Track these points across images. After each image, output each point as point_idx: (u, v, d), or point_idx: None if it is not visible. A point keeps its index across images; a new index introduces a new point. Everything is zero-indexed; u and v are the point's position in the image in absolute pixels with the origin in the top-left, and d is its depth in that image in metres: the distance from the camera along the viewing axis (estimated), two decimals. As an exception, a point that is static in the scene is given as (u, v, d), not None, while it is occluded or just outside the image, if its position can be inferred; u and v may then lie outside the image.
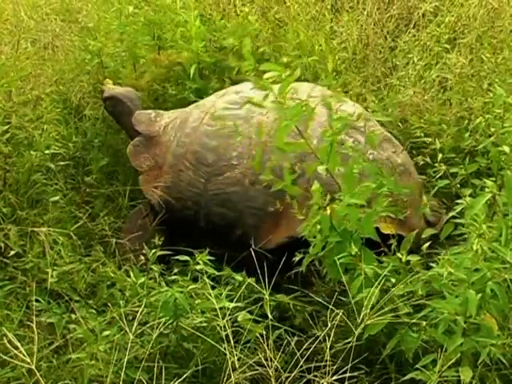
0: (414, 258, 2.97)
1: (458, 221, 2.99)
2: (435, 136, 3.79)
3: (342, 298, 3.05)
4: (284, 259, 3.24)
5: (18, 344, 2.43)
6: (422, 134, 3.88)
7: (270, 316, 2.82)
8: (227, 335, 2.69)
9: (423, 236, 3.23)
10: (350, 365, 2.58)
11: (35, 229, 3.58)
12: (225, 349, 2.66)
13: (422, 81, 4.52)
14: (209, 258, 3.15)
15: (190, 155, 3.84)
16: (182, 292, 2.98)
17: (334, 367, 2.58)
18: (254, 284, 3.03)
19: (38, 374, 2.48)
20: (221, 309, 2.82)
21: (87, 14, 5.58)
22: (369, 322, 2.63)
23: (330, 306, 2.72)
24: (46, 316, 3.18)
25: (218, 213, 3.71)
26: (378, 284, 2.74)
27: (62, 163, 4.27)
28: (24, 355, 2.40)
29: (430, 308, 2.74)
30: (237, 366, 2.65)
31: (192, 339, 3.01)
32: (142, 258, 3.43)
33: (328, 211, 2.98)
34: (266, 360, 2.60)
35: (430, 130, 4.06)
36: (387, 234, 3.21)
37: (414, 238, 3.08)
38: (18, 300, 3.38)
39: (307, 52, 4.85)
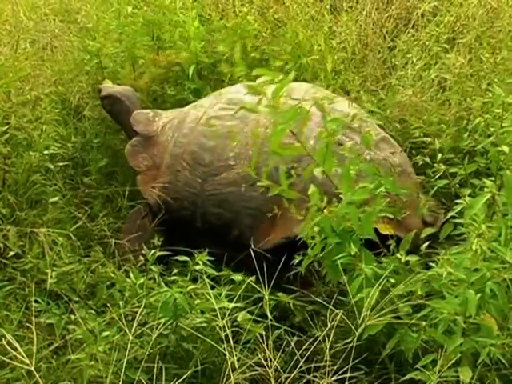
0: (413, 258, 2.97)
1: (457, 221, 2.99)
2: (434, 136, 3.78)
3: (342, 298, 3.05)
4: (283, 260, 3.23)
5: (17, 345, 2.42)
6: (421, 134, 3.89)
7: (269, 316, 2.82)
8: (227, 335, 2.69)
9: (422, 236, 3.23)
10: (349, 365, 2.58)
11: (34, 229, 3.58)
12: (224, 349, 2.66)
13: (421, 81, 4.52)
14: (208, 258, 3.15)
15: (187, 155, 3.84)
16: (181, 292, 2.98)
17: (335, 367, 2.58)
18: (254, 284, 3.03)
19: (37, 374, 2.47)
20: (220, 309, 2.82)
21: (86, 14, 5.57)
22: (369, 322, 2.63)
23: (330, 307, 2.72)
24: (45, 317, 3.18)
25: (214, 213, 3.71)
26: (379, 285, 2.74)
27: (61, 164, 4.27)
28: (23, 356, 2.39)
29: (430, 308, 2.74)
30: (236, 367, 2.65)
31: (191, 339, 3.01)
32: (142, 258, 3.43)
33: (326, 212, 2.98)
34: (266, 360, 2.60)
35: (429, 130, 4.06)
36: (385, 235, 3.20)
37: (412, 238, 3.08)
38: (18, 301, 3.38)
39: (306, 52, 4.85)
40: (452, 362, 2.57)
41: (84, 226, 3.87)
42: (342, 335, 2.91)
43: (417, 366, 2.68)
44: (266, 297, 2.86)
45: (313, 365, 2.70)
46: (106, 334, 2.96)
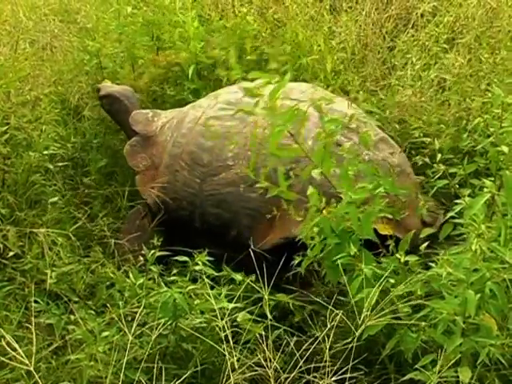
0: (412, 259, 2.97)
1: (456, 221, 2.99)
2: (434, 136, 3.78)
3: (341, 298, 3.05)
4: (282, 260, 3.23)
5: (17, 345, 2.42)
6: (421, 135, 3.89)
7: (269, 316, 2.82)
8: (226, 336, 2.69)
9: (421, 236, 3.23)
10: (349, 365, 2.58)
11: (34, 230, 3.58)
12: (224, 349, 2.66)
13: (421, 81, 4.52)
14: (208, 258, 3.15)
15: (186, 155, 3.84)
16: (181, 293, 2.98)
17: (334, 368, 2.58)
18: (253, 284, 3.03)
19: (36, 375, 2.47)
20: (220, 309, 2.82)
21: (86, 14, 5.57)
22: (370, 323, 2.63)
23: (330, 307, 2.72)
24: (44, 317, 3.18)
25: (213, 213, 3.71)
26: (379, 285, 2.74)
27: (60, 164, 4.27)
28: (23, 356, 2.39)
29: (429, 308, 2.74)
30: (236, 367, 2.65)
31: (191, 340, 3.01)
32: (141, 258, 3.43)
33: (325, 213, 2.98)
34: (266, 360, 2.60)
35: (428, 131, 4.06)
36: (384, 235, 3.20)
37: (411, 238, 3.08)
38: (17, 301, 3.38)
39: (306, 52, 4.85)
40: (452, 362, 2.56)
41: (84, 226, 3.87)
42: (342, 335, 2.92)
43: (416, 366, 2.68)
44: (266, 297, 2.86)
45: (312, 365, 2.70)
46: (105, 334, 2.96)
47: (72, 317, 3.12)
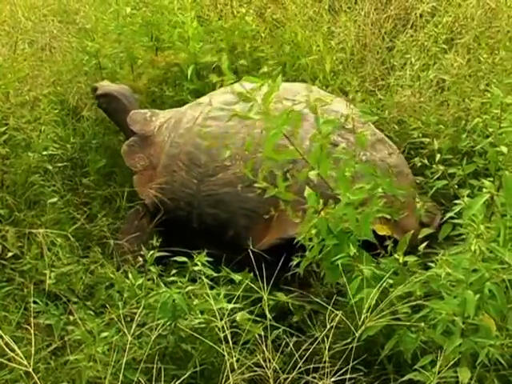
0: (411, 259, 2.97)
1: (456, 221, 2.99)
2: (433, 137, 3.78)
3: (340, 299, 3.05)
4: (282, 260, 3.23)
5: (16, 346, 2.42)
6: (420, 135, 3.88)
7: (268, 316, 2.82)
8: (226, 336, 2.69)
9: (420, 236, 3.23)
10: (349, 366, 2.58)
11: (33, 230, 3.58)
12: (223, 350, 2.66)
13: (420, 81, 4.52)
14: (207, 259, 3.15)
15: (184, 156, 3.84)
16: (180, 293, 2.98)
17: (335, 368, 2.58)
18: (252, 285, 3.02)
19: (35, 376, 2.47)
20: (219, 309, 2.82)
21: (85, 15, 5.57)
22: (370, 323, 2.63)
23: (329, 307, 2.72)
24: (43, 317, 3.18)
25: (210, 213, 3.71)
26: (379, 286, 2.74)
27: (59, 164, 4.27)
28: (22, 357, 2.39)
29: (429, 309, 2.74)
30: (235, 367, 2.65)
31: (190, 340, 3.01)
32: (140, 259, 3.43)
33: (323, 214, 2.98)
34: (265, 361, 2.60)
35: (427, 131, 4.05)
36: (382, 236, 3.20)
37: (409, 238, 3.08)
38: (16, 302, 3.38)
39: (305, 52, 4.85)
40: (451, 362, 2.57)
41: (83, 226, 3.88)
42: (341, 336, 2.92)
43: (416, 366, 2.68)
44: (265, 297, 2.86)
45: (312, 365, 2.70)
46: (104, 334, 2.96)
47: (71, 317, 3.13)
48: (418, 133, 3.90)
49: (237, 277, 3.20)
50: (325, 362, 2.57)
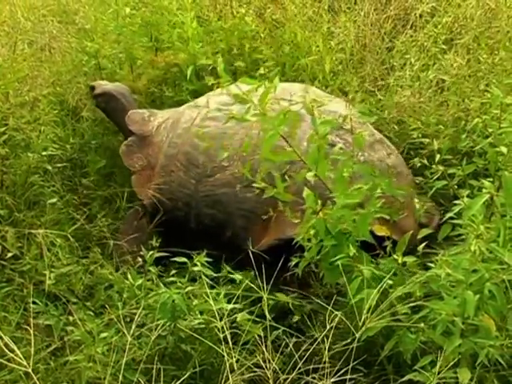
0: (410, 259, 2.97)
1: (455, 222, 2.98)
2: (432, 137, 3.78)
3: (340, 299, 3.05)
4: (281, 261, 3.23)
5: (15, 346, 2.42)
6: (420, 135, 3.89)
7: (268, 316, 2.81)
8: (225, 337, 2.69)
9: (419, 236, 3.23)
10: (348, 366, 2.58)
11: (32, 231, 3.58)
12: (223, 350, 2.66)
13: (419, 82, 4.52)
14: (206, 259, 3.14)
15: (182, 156, 3.84)
16: (179, 293, 2.98)
17: (335, 369, 2.58)
18: (252, 285, 3.02)
19: (35, 376, 2.47)
20: (219, 310, 2.82)
21: (84, 15, 5.56)
22: (370, 324, 2.62)
23: (329, 308, 2.71)
24: (43, 318, 3.18)
25: (208, 214, 3.71)
26: (380, 287, 2.73)
27: (59, 165, 4.27)
28: (21, 358, 2.39)
29: (428, 309, 2.74)
30: (235, 368, 2.65)
31: (190, 341, 3.00)
32: (140, 259, 3.43)
33: (321, 215, 2.98)
34: (265, 361, 2.60)
35: (427, 131, 4.05)
36: (381, 237, 3.20)
37: (408, 239, 3.08)
38: (16, 302, 3.38)
39: (304, 53, 4.85)
40: (451, 363, 2.56)
41: (82, 227, 3.87)
42: (341, 336, 2.91)
43: (415, 367, 2.68)
44: (265, 297, 2.86)
45: (311, 366, 2.69)
46: (104, 335, 2.96)
47: (71, 318, 3.13)
48: (418, 133, 3.90)
49: (237, 276, 3.20)
50: (324, 363, 2.57)
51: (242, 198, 3.62)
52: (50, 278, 3.27)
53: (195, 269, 3.11)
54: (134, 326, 2.73)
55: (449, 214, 3.00)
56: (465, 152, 3.79)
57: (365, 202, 3.05)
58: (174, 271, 3.21)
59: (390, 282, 2.84)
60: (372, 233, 3.11)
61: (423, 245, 3.10)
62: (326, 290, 3.39)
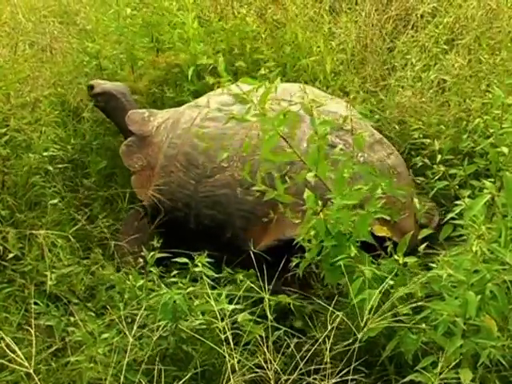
0: (411, 260, 2.97)
1: (456, 222, 2.98)
2: (434, 137, 3.78)
3: (341, 299, 3.05)
4: (281, 262, 3.23)
5: (17, 347, 2.42)
6: (421, 136, 3.89)
7: (270, 317, 2.81)
8: (226, 337, 2.68)
9: (420, 237, 3.23)
10: (350, 367, 2.58)
11: (34, 231, 3.58)
12: (224, 351, 2.65)
13: (421, 82, 4.52)
14: (207, 260, 3.14)
15: (181, 157, 3.83)
16: (180, 294, 2.98)
17: (337, 369, 2.57)
18: (253, 286, 3.02)
19: (36, 377, 2.47)
20: (220, 310, 2.81)
21: (85, 16, 5.57)
22: (372, 325, 2.62)
23: (331, 308, 2.71)
24: (44, 319, 3.18)
25: (207, 215, 3.70)
26: (381, 287, 2.73)
27: (60, 166, 4.26)
28: (22, 358, 2.39)
29: (430, 310, 2.74)
30: (236, 369, 2.65)
31: (191, 342, 3.00)
32: (141, 260, 3.43)
33: (322, 216, 2.98)
34: (266, 362, 2.60)
35: (428, 132, 4.06)
36: (381, 237, 3.20)
37: (409, 239, 3.07)
38: (17, 303, 3.38)
39: (305, 53, 4.85)
40: (452, 363, 2.56)
41: (83, 227, 3.87)
42: (342, 337, 2.91)
43: (417, 367, 2.68)
44: (266, 298, 2.86)
45: (313, 367, 2.69)
46: (105, 336, 2.96)
47: (72, 319, 3.12)
48: (419, 133, 3.91)
49: (239, 276, 3.20)
50: (326, 363, 2.57)
51: (241, 199, 3.62)
52: (51, 278, 3.27)
53: (196, 269, 3.11)
54: (135, 327, 2.72)
55: (450, 215, 3.00)
56: (466, 152, 3.79)
57: (365, 202, 3.05)
58: (175, 272, 3.21)
59: (392, 282, 2.83)
60: (372, 233, 3.11)
61: (424, 245, 3.10)
62: (327, 290, 3.38)
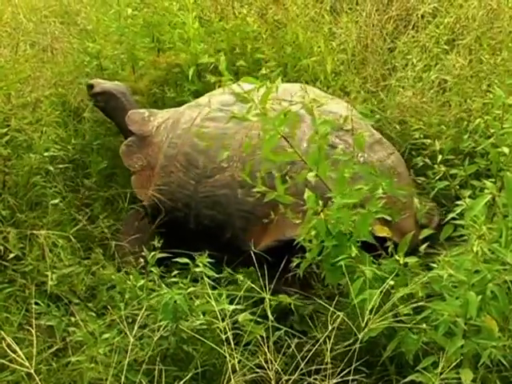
0: (412, 260, 2.97)
1: (457, 222, 2.98)
2: (434, 137, 3.78)
3: (342, 300, 3.05)
4: (282, 262, 3.23)
5: (17, 347, 2.42)
6: (422, 136, 3.88)
7: (270, 317, 2.81)
8: (227, 337, 2.68)
9: (420, 237, 3.23)
10: (351, 367, 2.58)
11: (34, 231, 3.58)
12: (225, 351, 2.65)
13: (421, 82, 4.52)
14: (208, 260, 3.14)
15: (181, 157, 3.83)
16: (181, 294, 2.98)
17: (338, 369, 2.57)
18: (254, 286, 3.02)
19: (37, 377, 2.47)
20: (221, 311, 2.81)
21: (86, 16, 5.57)
22: (373, 325, 2.62)
23: (331, 309, 2.71)
24: (45, 319, 3.18)
25: (207, 215, 3.70)
26: (382, 287, 2.73)
27: (61, 166, 4.26)
28: (23, 359, 2.39)
29: (430, 310, 2.74)
30: (237, 369, 2.64)
31: (192, 342, 3.00)
32: (142, 260, 3.43)
33: (322, 216, 2.98)
34: (267, 362, 2.60)
35: (429, 132, 4.05)
36: (382, 237, 3.20)
37: (409, 239, 3.07)
38: (18, 303, 3.38)
39: (306, 53, 4.85)
40: (453, 364, 2.56)
41: (84, 228, 3.87)
42: (343, 337, 2.91)
43: (418, 367, 2.68)
44: (267, 298, 2.86)
45: (314, 367, 2.69)
46: (106, 336, 2.96)
47: (72, 319, 3.13)
48: (420, 133, 3.90)
49: (239, 276, 3.20)
50: (327, 364, 2.57)
51: (241, 200, 3.62)
52: (51, 278, 3.27)
53: (197, 269, 3.11)
54: (136, 327, 2.72)
55: (451, 215, 3.00)
56: (467, 152, 3.79)
57: (366, 202, 3.05)
58: (175, 272, 3.21)
59: (392, 282, 2.83)
60: (373, 233, 3.11)
61: (425, 245, 3.09)
62: (327, 290, 3.38)
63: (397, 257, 2.95)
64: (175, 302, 2.95)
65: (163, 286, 3.11)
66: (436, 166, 3.18)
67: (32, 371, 2.42)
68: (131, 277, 3.18)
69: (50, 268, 3.33)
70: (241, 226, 3.62)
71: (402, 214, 3.40)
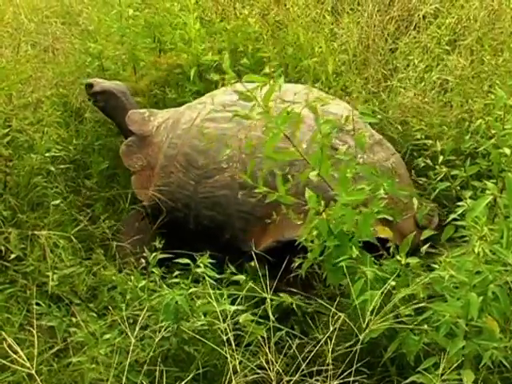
0: (413, 261, 2.97)
1: (458, 223, 2.98)
2: (436, 138, 3.78)
3: (343, 300, 3.05)
4: (283, 263, 3.23)
5: (18, 348, 2.42)
6: (423, 136, 3.88)
7: (272, 318, 2.81)
8: (228, 338, 2.68)
9: (422, 238, 3.22)
10: (352, 368, 2.58)
11: (36, 232, 3.58)
12: (226, 352, 2.65)
13: (423, 83, 4.52)
14: (209, 260, 3.14)
15: (181, 157, 3.83)
16: (182, 295, 2.98)
17: (339, 370, 2.57)
18: (255, 287, 3.02)
19: (38, 378, 2.47)
20: (222, 311, 2.81)
21: (87, 16, 5.58)
22: (374, 326, 2.62)
23: (333, 309, 2.71)
24: (46, 319, 3.18)
25: (207, 215, 3.70)
26: (383, 288, 2.73)
27: (62, 166, 4.26)
28: (24, 359, 2.39)
29: (432, 311, 2.74)
30: (238, 370, 2.64)
31: (193, 342, 3.00)
32: (143, 260, 3.43)
33: (324, 216, 2.98)
34: (268, 363, 2.59)
35: (430, 132, 4.05)
36: (383, 238, 3.19)
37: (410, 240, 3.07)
38: (19, 303, 3.38)
39: (307, 54, 4.85)
40: (454, 365, 2.56)
41: (85, 228, 3.87)
42: (344, 338, 2.91)
43: (419, 368, 2.68)
44: (268, 299, 2.85)
45: (315, 368, 2.69)
46: (107, 336, 2.96)
47: (74, 319, 3.12)
48: (421, 134, 3.90)
49: (241, 277, 3.19)
50: (328, 365, 2.56)
51: (241, 200, 3.62)
52: (53, 279, 3.27)
53: (198, 270, 3.11)
54: (137, 328, 2.72)
55: (452, 216, 3.00)
56: (468, 153, 3.78)
57: (367, 202, 3.05)
58: (177, 272, 3.21)
59: (394, 283, 2.83)
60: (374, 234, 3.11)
61: (426, 246, 3.09)
62: (329, 291, 3.38)
63: (398, 257, 2.94)
64: (176, 302, 2.95)
65: (164, 286, 3.11)
66: (437, 166, 3.19)
67: (33, 372, 2.41)
68: (132, 277, 3.18)
69: (51, 268, 3.33)
70: (240, 227, 3.62)
71: (405, 214, 3.40)
